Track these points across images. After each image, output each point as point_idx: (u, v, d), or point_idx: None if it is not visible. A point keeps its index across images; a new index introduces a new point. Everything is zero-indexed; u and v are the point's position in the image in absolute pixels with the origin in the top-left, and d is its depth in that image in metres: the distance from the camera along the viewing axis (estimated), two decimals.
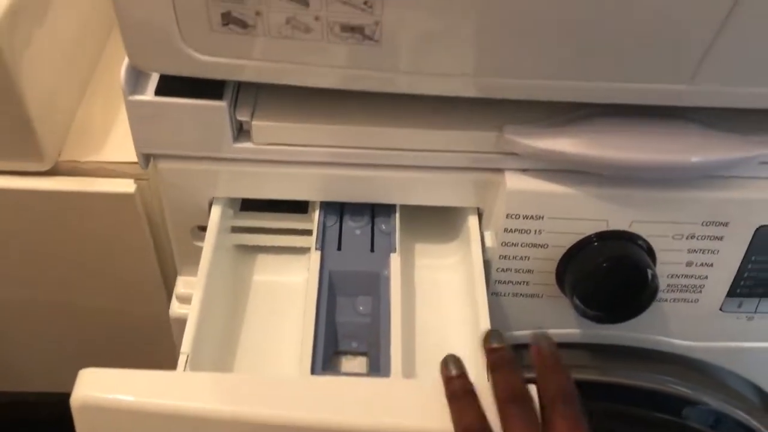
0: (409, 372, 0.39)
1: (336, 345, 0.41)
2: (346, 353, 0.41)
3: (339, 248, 0.43)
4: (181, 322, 0.48)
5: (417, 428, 0.32)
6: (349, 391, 0.34)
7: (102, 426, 0.33)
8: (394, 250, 0.42)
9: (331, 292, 0.41)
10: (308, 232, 0.45)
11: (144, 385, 0.33)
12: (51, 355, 0.65)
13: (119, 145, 0.52)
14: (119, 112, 0.55)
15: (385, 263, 0.42)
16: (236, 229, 0.45)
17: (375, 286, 0.41)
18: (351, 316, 0.41)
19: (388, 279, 0.41)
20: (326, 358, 0.39)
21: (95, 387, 0.33)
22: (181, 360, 0.37)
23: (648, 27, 0.34)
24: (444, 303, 0.44)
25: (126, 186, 0.51)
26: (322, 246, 0.43)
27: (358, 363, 0.41)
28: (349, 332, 0.41)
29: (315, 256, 0.42)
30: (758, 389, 0.51)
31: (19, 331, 0.62)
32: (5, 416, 0.72)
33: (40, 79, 0.48)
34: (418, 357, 0.41)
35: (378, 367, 0.38)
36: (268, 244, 0.46)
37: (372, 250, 0.43)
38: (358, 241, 0.43)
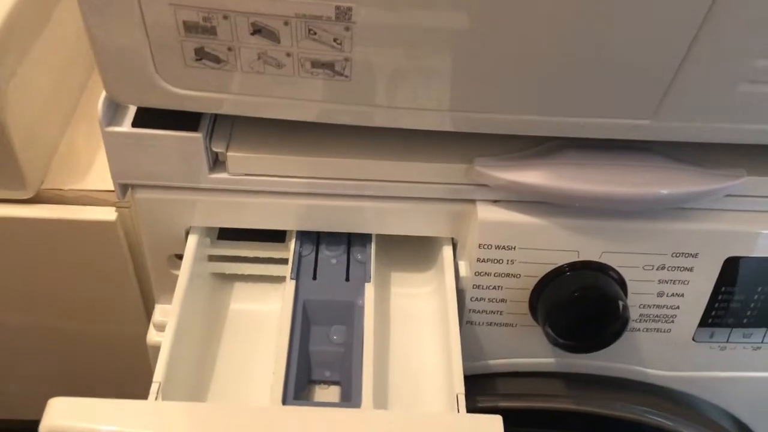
0: (380, 402, 0.40)
1: (309, 374, 0.41)
2: (319, 382, 0.42)
3: (314, 277, 0.43)
4: (158, 349, 0.48)
5: None
6: (319, 421, 0.34)
7: None
8: (369, 280, 0.43)
9: (305, 321, 0.41)
10: (285, 261, 0.45)
11: (114, 414, 0.33)
12: (30, 381, 0.65)
13: (102, 173, 0.53)
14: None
15: (360, 293, 0.42)
16: (213, 258, 0.46)
17: (349, 315, 0.42)
18: (325, 345, 0.42)
19: (362, 308, 0.41)
20: (299, 387, 0.39)
21: (64, 416, 0.33)
22: (153, 389, 0.37)
23: (610, 65, 0.35)
24: (418, 332, 0.44)
25: (107, 214, 0.52)
26: (297, 275, 0.43)
27: (331, 392, 0.41)
28: (322, 361, 0.41)
29: (290, 286, 0.42)
30: (734, 418, 0.51)
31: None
32: None
33: (25, 109, 0.49)
34: (390, 386, 0.41)
35: (350, 396, 0.38)
36: (245, 272, 0.46)
37: (347, 279, 0.43)
38: (333, 270, 0.44)
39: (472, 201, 0.42)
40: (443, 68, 0.35)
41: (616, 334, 0.42)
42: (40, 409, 0.65)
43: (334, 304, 0.42)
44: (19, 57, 0.48)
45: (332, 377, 0.41)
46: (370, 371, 0.38)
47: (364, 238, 0.45)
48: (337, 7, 0.32)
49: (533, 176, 0.39)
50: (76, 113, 0.58)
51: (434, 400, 0.40)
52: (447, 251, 0.45)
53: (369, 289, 0.42)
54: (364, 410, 0.36)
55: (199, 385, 0.41)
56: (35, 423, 0.64)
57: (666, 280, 0.43)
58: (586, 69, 0.35)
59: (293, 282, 0.43)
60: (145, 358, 0.57)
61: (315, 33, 0.33)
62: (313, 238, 0.45)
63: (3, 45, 0.46)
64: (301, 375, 0.40)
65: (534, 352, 0.47)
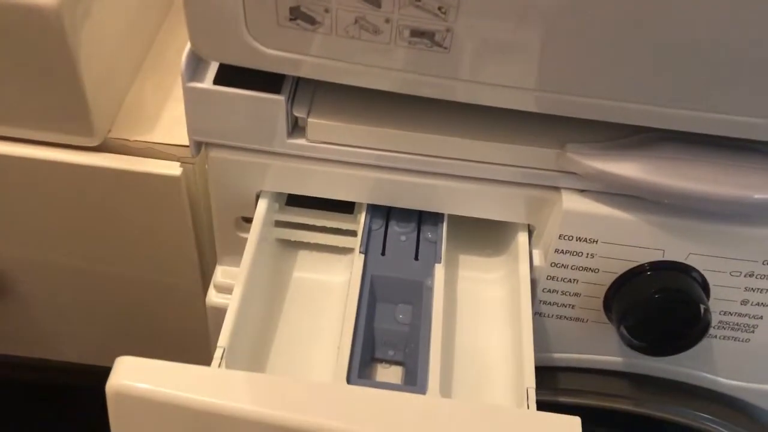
0: (445, 388, 0.38)
1: (373, 351, 0.40)
2: (381, 361, 0.41)
3: (383, 253, 0.42)
4: (217, 310, 0.48)
5: None
6: (384, 404, 0.33)
7: (134, 415, 0.33)
8: (439, 261, 0.41)
9: (371, 298, 0.40)
10: (352, 233, 0.44)
11: (180, 378, 0.33)
12: (84, 327, 0.66)
13: (169, 126, 0.52)
14: (171, 93, 0.55)
15: (429, 273, 0.41)
16: (280, 224, 0.45)
17: (417, 295, 0.41)
18: (390, 324, 0.41)
19: (431, 290, 0.40)
20: (363, 364, 0.38)
21: (131, 376, 0.32)
22: (218, 354, 0.36)
23: (733, 59, 0.32)
24: (486, 318, 0.43)
25: (172, 168, 0.51)
26: (366, 250, 0.42)
27: (393, 372, 0.40)
28: (387, 340, 0.40)
29: (358, 260, 0.41)
30: None
31: (55, 300, 0.63)
32: (37, 382, 0.73)
33: (97, 54, 0.48)
34: (455, 372, 0.40)
35: (414, 379, 0.37)
36: (312, 241, 0.45)
37: (416, 258, 0.42)
38: (402, 247, 0.42)
39: (556, 188, 0.40)
40: (549, 45, 0.33)
41: (694, 340, 0.40)
42: (92, 354, 0.66)
43: (402, 282, 0.41)
44: (94, 0, 0.47)
45: (395, 357, 0.40)
46: (438, 356, 0.37)
47: (435, 217, 0.44)
48: None
49: (628, 168, 0.37)
50: (146, 63, 0.56)
51: (501, 392, 0.39)
52: (522, 238, 0.43)
53: (439, 271, 0.41)
54: (431, 397, 0.35)
55: (261, 353, 0.40)
56: (88, 367, 0.64)
57: (753, 288, 0.41)
58: (704, 59, 0.32)
59: (362, 256, 0.41)
60: (197, 313, 0.56)
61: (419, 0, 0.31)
62: (383, 213, 0.44)
63: None
64: (366, 352, 0.39)
65: (601, 349, 0.45)
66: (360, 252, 0.41)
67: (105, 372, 0.33)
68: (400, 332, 0.40)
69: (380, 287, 0.41)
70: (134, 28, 0.54)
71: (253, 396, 0.33)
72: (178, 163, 0.51)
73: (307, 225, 0.45)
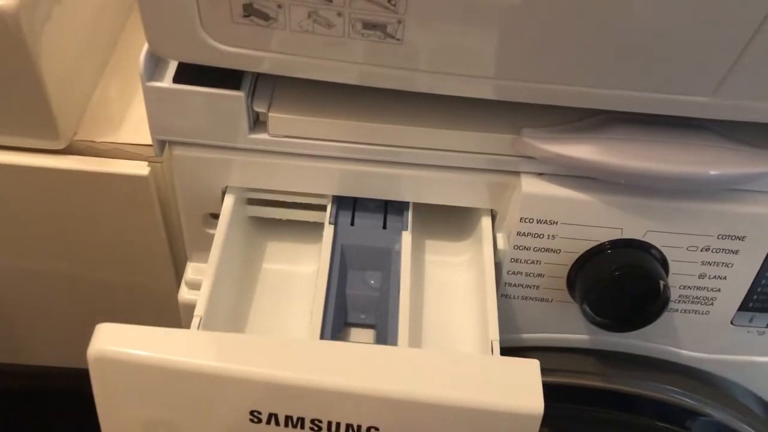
0: (415, 345, 0.40)
1: (345, 316, 0.42)
2: (354, 325, 0.42)
3: (352, 224, 0.43)
4: (189, 307, 0.48)
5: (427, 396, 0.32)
6: (360, 356, 0.34)
7: (116, 379, 0.34)
8: (406, 228, 0.43)
9: (342, 266, 0.42)
10: (322, 207, 0.44)
11: (159, 341, 0.33)
12: (58, 330, 0.66)
13: (135, 127, 0.52)
14: (136, 93, 0.55)
15: (397, 239, 0.42)
16: (252, 201, 0.45)
17: (386, 261, 0.42)
18: (361, 289, 0.42)
19: (398, 254, 0.41)
20: (336, 328, 0.39)
21: (112, 341, 0.33)
22: (195, 322, 0.37)
23: (672, 40, 0.33)
24: (453, 294, 0.44)
25: (139, 168, 0.51)
26: (336, 221, 0.43)
27: (366, 335, 0.42)
28: (358, 304, 0.42)
29: (328, 230, 0.42)
30: (763, 402, 0.50)
31: (28, 305, 0.63)
32: (15, 388, 0.73)
33: (58, 57, 0.48)
34: (424, 332, 0.41)
35: (385, 339, 0.39)
36: (283, 217, 0.45)
37: (384, 227, 0.43)
38: (371, 217, 0.44)
39: (515, 173, 0.41)
40: (498, 34, 0.33)
41: (655, 315, 0.41)
42: (65, 356, 0.66)
43: (371, 249, 0.42)
44: (53, 2, 0.47)
45: (367, 320, 0.42)
46: (406, 315, 0.38)
47: (401, 206, 0.45)
48: None
49: (583, 150, 0.38)
50: (109, 65, 0.57)
51: (468, 347, 0.40)
52: (486, 222, 0.44)
53: (406, 237, 0.42)
54: (401, 348, 0.37)
55: (235, 330, 0.41)
56: (56, 369, 0.64)
57: (709, 261, 0.42)
58: (645, 41, 0.33)
59: (331, 227, 0.42)
60: (173, 313, 0.57)
61: None
62: (349, 203, 0.45)
63: None
64: (338, 316, 0.40)
65: (568, 328, 0.46)
66: (329, 223, 0.43)
67: (83, 374, 0.33)
68: (371, 297, 0.42)
69: (350, 255, 0.42)
70: (96, 30, 0.55)
71: (230, 354, 0.33)
72: (146, 163, 0.51)
73: (279, 201, 0.45)
